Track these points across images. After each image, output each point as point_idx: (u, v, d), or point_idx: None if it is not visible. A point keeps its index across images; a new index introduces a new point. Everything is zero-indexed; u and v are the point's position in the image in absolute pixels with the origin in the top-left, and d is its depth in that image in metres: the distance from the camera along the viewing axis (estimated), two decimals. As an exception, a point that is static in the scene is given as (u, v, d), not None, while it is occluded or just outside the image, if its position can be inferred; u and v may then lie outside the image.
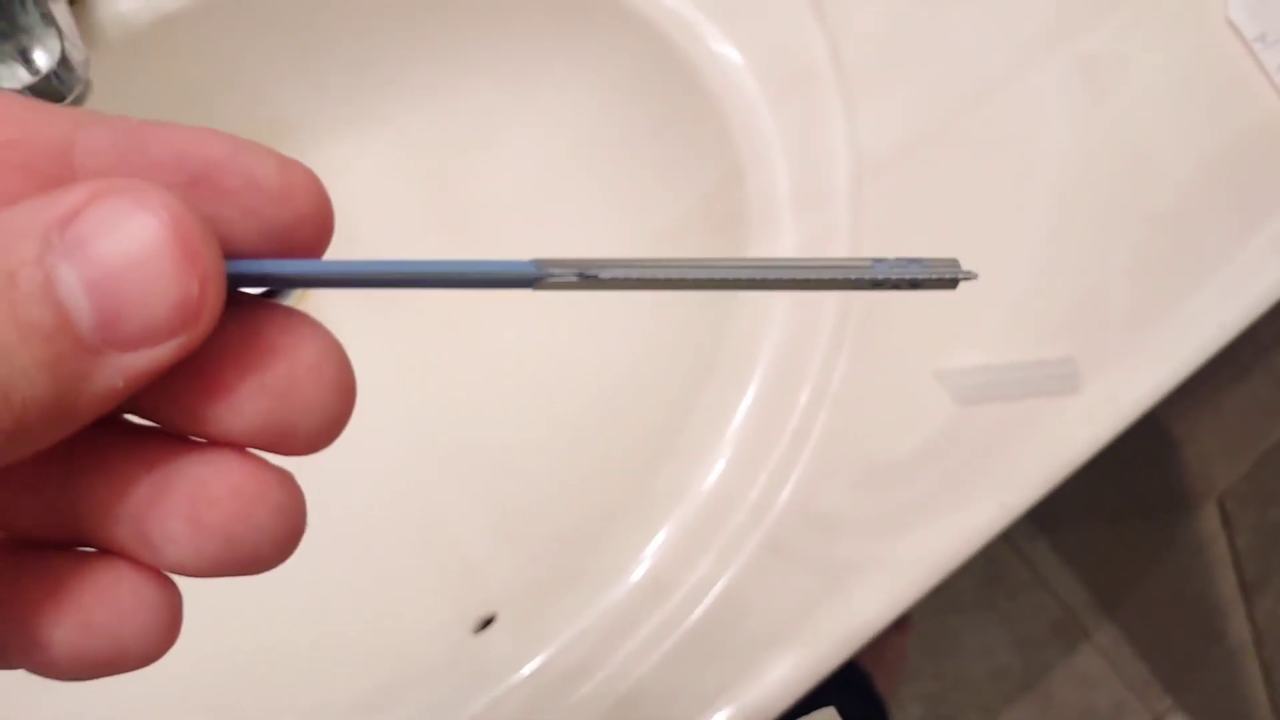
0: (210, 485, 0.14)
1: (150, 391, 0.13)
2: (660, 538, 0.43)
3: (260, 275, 0.14)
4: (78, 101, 0.38)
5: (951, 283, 0.17)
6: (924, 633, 1.22)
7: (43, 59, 0.36)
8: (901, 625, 1.08)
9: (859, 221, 0.44)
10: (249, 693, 0.44)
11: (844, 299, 0.44)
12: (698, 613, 0.41)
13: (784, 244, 0.45)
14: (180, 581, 0.15)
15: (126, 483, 0.14)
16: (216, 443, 0.14)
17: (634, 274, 0.16)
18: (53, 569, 0.14)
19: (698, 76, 0.47)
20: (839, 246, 0.44)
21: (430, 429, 0.49)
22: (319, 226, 0.15)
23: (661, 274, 0.16)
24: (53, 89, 0.37)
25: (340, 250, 0.16)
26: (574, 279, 0.16)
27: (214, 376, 0.14)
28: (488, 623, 0.45)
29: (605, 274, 0.16)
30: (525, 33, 0.50)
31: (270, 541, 0.14)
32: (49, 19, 0.37)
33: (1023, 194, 0.45)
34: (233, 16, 0.46)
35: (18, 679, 0.16)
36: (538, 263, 0.16)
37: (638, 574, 0.42)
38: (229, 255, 0.14)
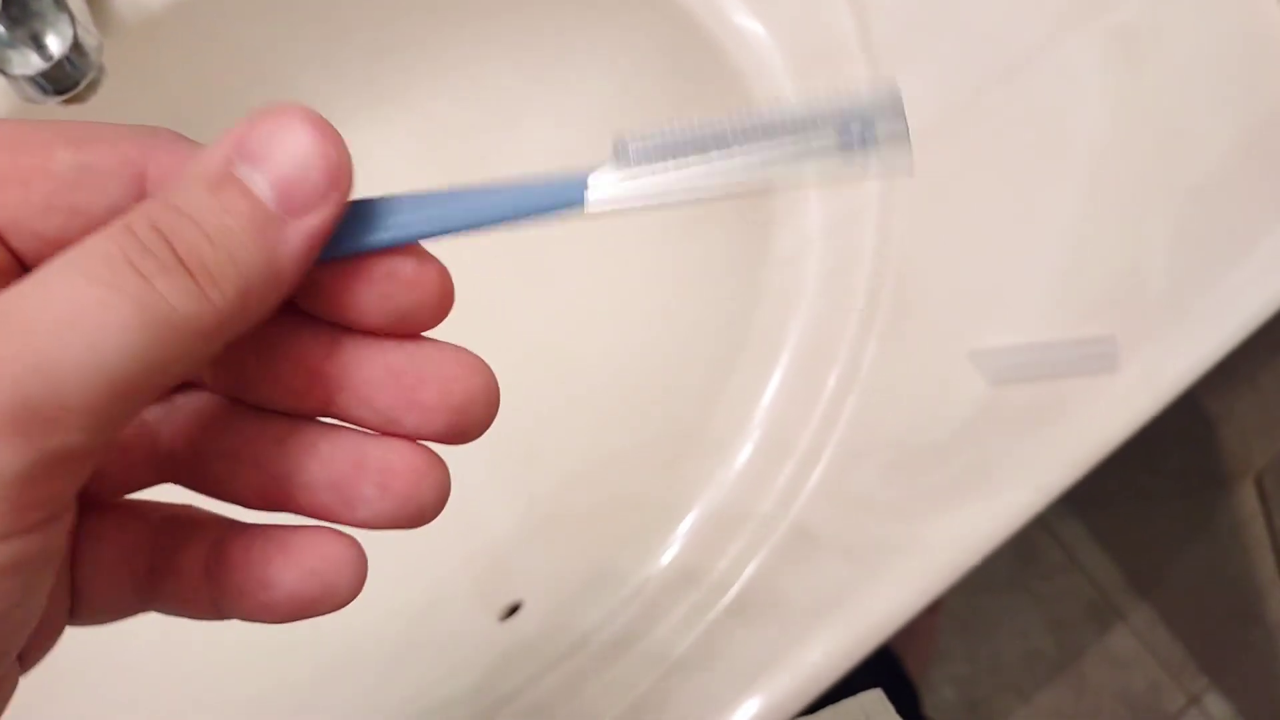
0: (395, 464, 0.20)
1: (374, 404, 0.20)
2: (689, 522, 0.42)
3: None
4: (91, 87, 0.38)
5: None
6: (956, 614, 1.21)
7: (55, 44, 0.36)
8: (932, 606, 1.07)
9: (887, 200, 0.43)
10: (282, 684, 0.44)
11: (874, 278, 0.43)
12: (728, 598, 0.41)
13: (810, 223, 0.44)
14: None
15: (333, 461, 0.20)
16: (402, 436, 0.20)
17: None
18: (277, 532, 0.20)
19: (721, 52, 0.46)
20: (867, 224, 0.43)
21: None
22: (437, 309, 0.20)
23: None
24: (66, 75, 0.37)
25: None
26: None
27: (413, 396, 0.20)
28: (514, 609, 0.45)
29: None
30: (545, 13, 0.50)
31: (431, 504, 0.20)
32: (61, 4, 0.36)
33: (1057, 168, 0.44)
34: (249, 1, 0.46)
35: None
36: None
37: (666, 559, 0.42)
38: (358, 323, 0.19)
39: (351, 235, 0.19)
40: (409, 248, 0.19)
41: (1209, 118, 0.45)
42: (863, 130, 0.19)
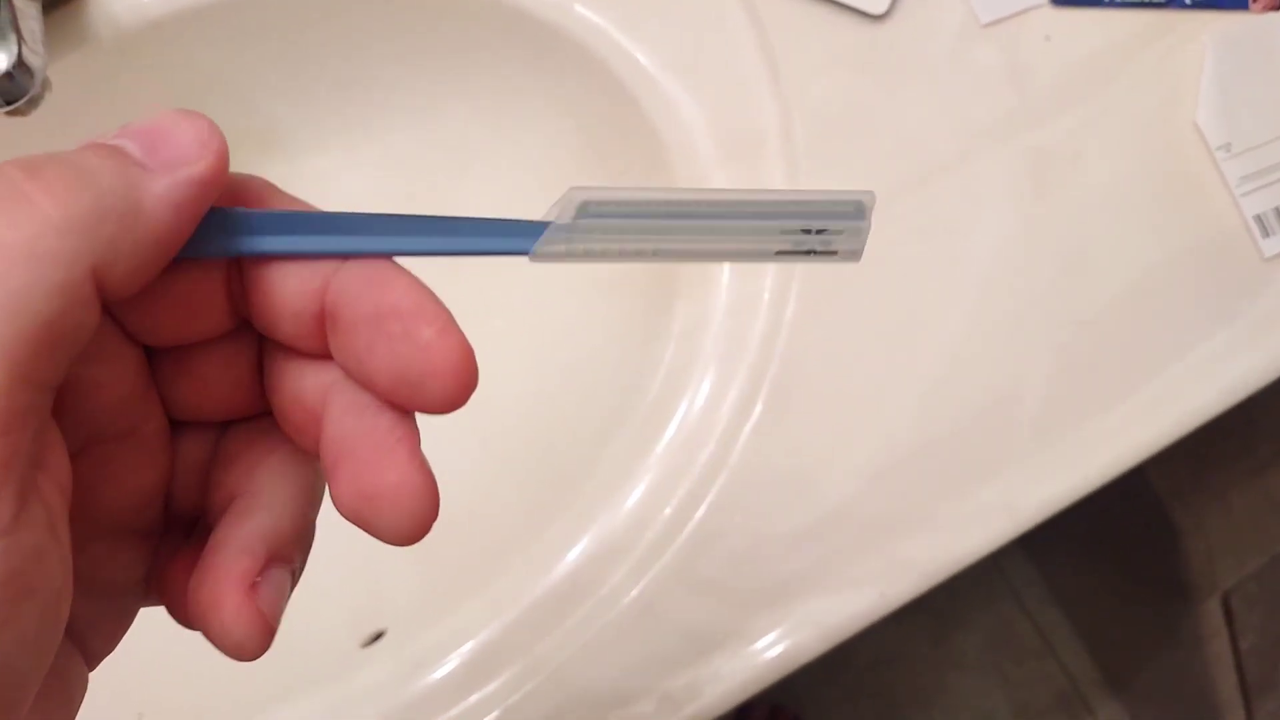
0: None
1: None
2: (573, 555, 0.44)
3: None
4: (33, 103, 0.41)
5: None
6: (921, 687, 1.20)
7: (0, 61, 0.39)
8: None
9: (782, 294, 0.45)
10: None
11: (756, 367, 0.44)
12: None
13: (715, 305, 0.45)
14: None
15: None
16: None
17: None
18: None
19: (656, 129, 0.47)
20: (759, 315, 0.44)
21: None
22: (449, 389, 0.19)
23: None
24: (7, 89, 0.40)
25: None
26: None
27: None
28: (378, 636, 0.46)
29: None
30: (504, 70, 0.52)
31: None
32: (12, 26, 0.39)
33: (952, 282, 0.45)
34: (222, 28, 0.48)
35: None
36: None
37: (514, 611, 0.43)
38: (359, 374, 0.19)
39: (302, 235, 0.20)
40: (433, 316, 0.19)
41: (1113, 252, 0.45)
42: (821, 232, 0.19)
